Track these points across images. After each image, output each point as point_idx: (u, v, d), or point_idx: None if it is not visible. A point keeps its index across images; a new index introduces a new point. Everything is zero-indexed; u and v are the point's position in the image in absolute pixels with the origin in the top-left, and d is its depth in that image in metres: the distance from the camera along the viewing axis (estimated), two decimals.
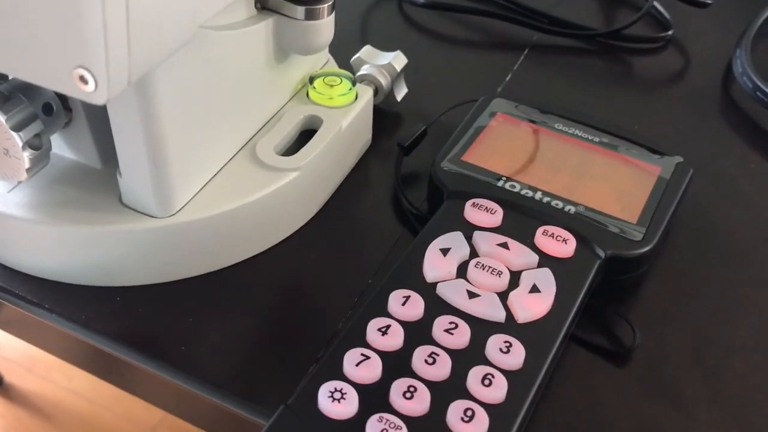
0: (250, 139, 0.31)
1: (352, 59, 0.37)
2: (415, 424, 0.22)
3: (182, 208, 0.28)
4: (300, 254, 0.31)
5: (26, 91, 0.27)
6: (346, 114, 0.33)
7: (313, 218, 0.32)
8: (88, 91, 0.19)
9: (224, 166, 0.30)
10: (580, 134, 0.33)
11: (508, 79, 0.41)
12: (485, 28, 0.46)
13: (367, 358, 0.23)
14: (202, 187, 0.29)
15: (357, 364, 0.23)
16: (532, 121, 0.34)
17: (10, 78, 0.26)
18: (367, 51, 0.37)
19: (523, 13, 0.46)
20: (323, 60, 0.36)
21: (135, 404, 0.97)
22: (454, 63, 0.43)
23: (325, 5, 0.30)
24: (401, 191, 0.33)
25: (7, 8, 0.19)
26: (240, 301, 0.29)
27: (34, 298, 0.29)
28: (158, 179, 0.27)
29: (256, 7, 0.29)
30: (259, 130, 0.31)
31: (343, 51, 0.38)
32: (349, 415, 0.22)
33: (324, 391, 0.23)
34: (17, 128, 0.26)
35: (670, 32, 0.45)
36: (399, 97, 0.37)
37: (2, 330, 0.34)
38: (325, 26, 0.30)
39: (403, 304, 0.25)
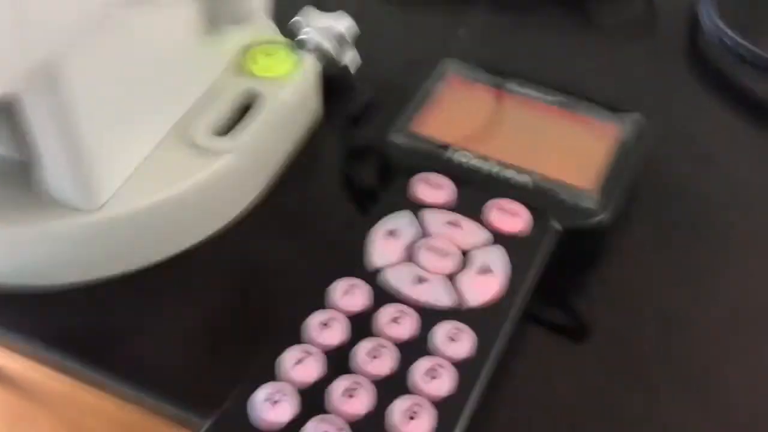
0: (183, 117, 0.29)
1: (291, 22, 0.34)
2: (358, 425, 0.21)
3: (110, 199, 0.26)
4: (244, 241, 0.29)
5: None
6: (286, 85, 0.30)
7: (259, 200, 0.30)
8: None
9: (154, 150, 0.28)
10: (536, 95, 0.31)
11: (461, 32, 0.39)
12: None
13: (308, 356, 0.22)
14: (131, 175, 0.27)
15: (295, 364, 0.22)
16: (486, 83, 0.32)
17: None
18: (307, 13, 0.34)
19: None
20: (263, 29, 0.33)
21: None
22: (408, 22, 0.40)
23: None
24: (349, 168, 0.31)
25: None
26: (181, 294, 0.27)
27: None
28: (78, 169, 0.25)
29: None
30: (194, 106, 0.29)
31: (282, 13, 0.36)
32: (287, 419, 0.21)
33: (260, 395, 0.21)
34: None
35: None
36: (348, 61, 0.35)
37: None
38: None
39: (346, 294, 0.24)
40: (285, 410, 0.21)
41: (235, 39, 0.31)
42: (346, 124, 0.32)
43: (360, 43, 0.36)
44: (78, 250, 0.26)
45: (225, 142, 0.28)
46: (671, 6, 0.42)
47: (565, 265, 0.27)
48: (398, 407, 0.21)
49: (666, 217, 0.30)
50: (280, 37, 0.32)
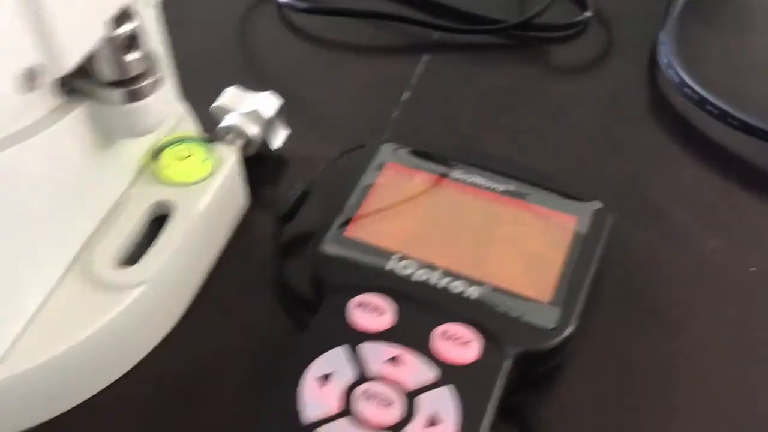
0: (84, 246, 0.25)
1: (212, 107, 0.31)
2: None
3: (4, 355, 0.23)
4: (167, 369, 0.26)
5: None
6: (204, 192, 0.27)
7: (182, 317, 0.27)
8: None
9: (54, 289, 0.24)
10: (482, 183, 0.28)
11: (406, 98, 0.36)
12: (378, 32, 0.40)
13: None
14: (28, 324, 0.23)
15: None
16: (429, 171, 0.29)
17: None
18: (231, 94, 0.31)
19: (420, 7, 0.40)
20: (176, 118, 0.30)
21: None
22: (346, 78, 0.37)
23: (149, 81, 0.24)
24: (282, 271, 0.28)
25: None
26: (117, 426, 0.24)
27: None
28: None
29: (62, 92, 0.23)
30: (96, 231, 0.26)
31: (217, 76, 0.32)
32: None
33: None
34: None
35: (587, 14, 0.39)
36: (275, 146, 0.32)
37: None
38: (153, 105, 0.24)
39: None
40: None
41: (140, 144, 0.27)
42: (276, 222, 0.29)
43: (294, 104, 0.32)
44: None
45: (133, 274, 0.25)
46: (629, 41, 0.39)
47: (520, 383, 0.24)
48: None
49: (631, 313, 0.27)
50: (192, 135, 0.29)
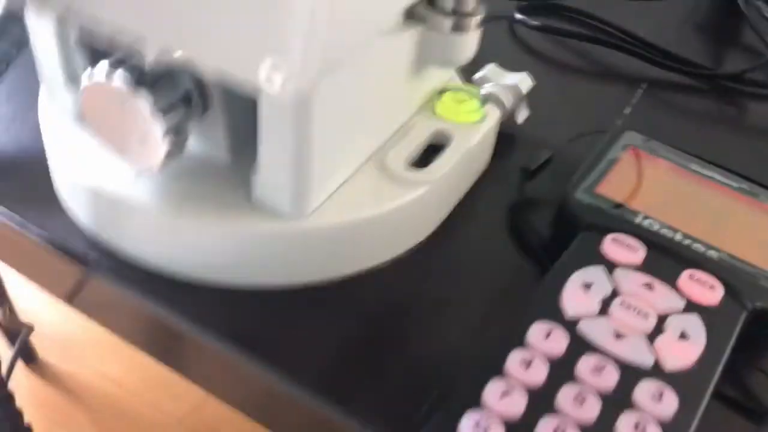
0: (380, 148, 0.30)
1: (476, 76, 0.36)
2: None
3: (314, 212, 0.27)
4: (415, 272, 0.30)
5: (168, 78, 0.26)
6: (475, 132, 0.31)
7: (428, 237, 0.31)
8: (276, 84, 0.19)
9: (354, 173, 0.29)
10: (717, 177, 0.31)
11: (627, 112, 0.40)
12: (597, 57, 0.44)
13: (512, 390, 0.22)
14: (333, 193, 0.28)
15: (501, 397, 0.22)
16: (668, 160, 0.32)
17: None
18: (491, 69, 0.36)
19: (636, 44, 0.45)
20: (449, 74, 0.35)
21: (164, 393, 0.96)
22: (568, 91, 0.42)
23: (474, 18, 0.29)
24: (524, 218, 0.31)
25: None
26: (354, 313, 0.28)
27: (150, 292, 0.28)
28: (299, 178, 0.26)
29: (402, 15, 0.28)
30: (390, 139, 0.30)
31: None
32: None
33: (467, 422, 0.21)
34: (164, 112, 0.25)
35: None
36: (520, 120, 0.36)
37: (97, 321, 0.33)
38: (471, 40, 0.29)
39: (546, 339, 0.24)
40: None
41: (432, 82, 0.32)
42: (520, 176, 0.33)
43: (530, 106, 0.37)
44: (275, 254, 0.27)
45: (421, 175, 0.29)
46: None
47: (749, 344, 0.27)
48: None
49: None
50: (471, 87, 0.34)
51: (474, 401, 0.22)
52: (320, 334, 0.27)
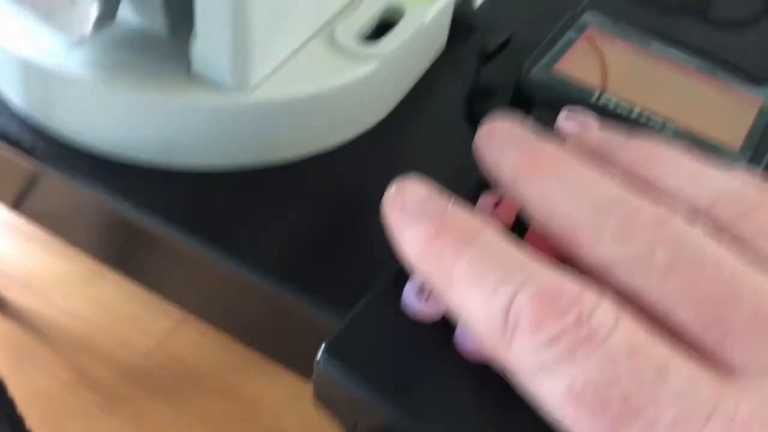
0: (329, 21, 0.28)
1: None
2: None
3: (257, 84, 0.26)
4: (367, 157, 0.28)
5: None
6: (428, 9, 0.30)
7: (382, 120, 0.30)
8: None
9: (302, 46, 0.27)
10: (679, 57, 0.31)
11: None
12: None
13: None
14: (279, 67, 0.26)
15: None
16: (629, 40, 0.31)
17: None
18: None
19: None
20: None
21: (130, 328, 0.96)
22: None
23: None
24: (480, 102, 0.30)
25: None
26: (309, 196, 0.27)
27: (82, 173, 0.26)
28: (238, 45, 0.24)
29: None
30: (336, 14, 0.29)
31: None
32: (438, 315, 0.20)
33: (411, 287, 0.21)
34: None
35: None
36: (477, 3, 0.35)
37: (32, 221, 0.32)
38: None
39: (495, 208, 0.23)
40: (435, 306, 0.20)
41: None
42: (477, 59, 0.31)
43: None
44: (217, 130, 0.26)
45: (372, 48, 0.28)
46: None
47: None
48: None
49: None
50: None
51: None
52: (268, 218, 0.26)
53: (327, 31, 0.28)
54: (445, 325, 0.20)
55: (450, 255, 0.17)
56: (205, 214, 0.26)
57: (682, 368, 0.15)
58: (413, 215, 0.18)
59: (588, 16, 0.32)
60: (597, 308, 0.15)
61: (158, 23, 0.27)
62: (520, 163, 0.20)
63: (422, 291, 0.20)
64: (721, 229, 0.17)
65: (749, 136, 0.27)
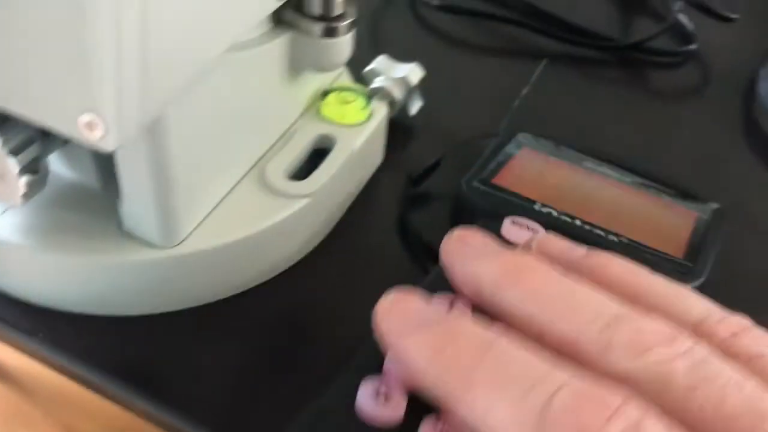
0: (260, 160, 0.29)
1: (365, 70, 0.35)
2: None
3: (187, 237, 0.26)
4: (307, 282, 0.29)
5: None
6: (360, 134, 0.31)
7: (321, 242, 0.30)
8: (95, 139, 0.18)
9: (232, 190, 0.28)
10: (611, 173, 0.31)
11: (525, 91, 0.39)
12: (502, 34, 0.44)
13: None
14: (208, 215, 0.27)
15: None
16: (561, 158, 0.32)
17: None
18: (381, 61, 0.35)
19: (542, 18, 0.44)
20: (337, 71, 0.34)
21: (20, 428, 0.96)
22: (470, 70, 0.41)
23: (345, 22, 0.28)
24: (414, 219, 0.31)
25: (12, 43, 0.18)
26: (244, 331, 0.27)
27: (27, 325, 0.27)
28: (163, 210, 0.25)
29: (270, 21, 0.27)
30: (271, 148, 0.30)
31: (354, 55, 0.36)
32: (396, 419, 0.19)
33: (365, 390, 0.20)
34: (14, 152, 0.24)
35: (693, 46, 0.43)
36: (413, 111, 0.35)
37: None
38: (344, 44, 0.28)
39: (450, 310, 0.22)
40: (394, 410, 0.19)
41: (314, 84, 0.31)
42: (406, 183, 0.32)
43: (424, 86, 0.36)
44: (150, 282, 0.26)
45: (301, 187, 0.28)
46: (728, 73, 0.42)
47: None
48: None
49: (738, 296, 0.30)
50: (356, 86, 0.33)
51: (373, 369, 0.21)
52: (211, 357, 0.27)
53: (258, 171, 0.29)
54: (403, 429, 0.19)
55: (468, 361, 0.18)
56: (140, 361, 0.26)
57: None
58: (416, 323, 0.19)
59: (521, 137, 0.33)
60: (643, 419, 0.16)
61: (91, 178, 0.27)
62: (504, 271, 0.20)
63: (378, 394, 0.20)
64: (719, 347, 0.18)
65: (689, 247, 0.28)
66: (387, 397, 0.19)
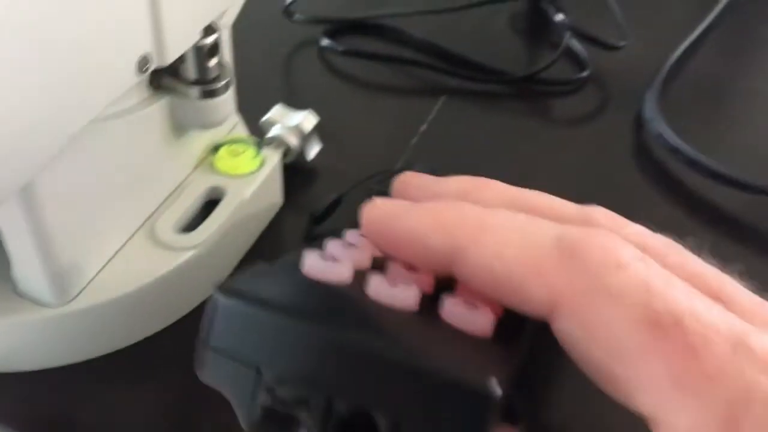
0: (151, 215, 0.31)
1: (262, 120, 0.37)
2: None
3: (78, 294, 0.28)
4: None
5: None
6: (251, 183, 0.33)
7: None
8: None
9: (123, 246, 0.30)
10: None
11: (423, 129, 0.42)
12: (404, 74, 0.46)
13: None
14: (99, 271, 0.29)
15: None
16: None
17: None
18: (277, 111, 0.37)
19: (442, 57, 0.46)
20: (231, 124, 0.35)
21: None
22: (374, 111, 0.43)
23: (222, 83, 0.30)
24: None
25: None
26: (142, 379, 0.29)
27: None
28: (49, 271, 0.26)
29: (150, 86, 0.29)
30: (162, 204, 0.31)
31: (263, 100, 0.38)
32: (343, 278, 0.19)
33: (315, 254, 0.20)
34: None
35: (585, 73, 0.45)
36: (310, 157, 0.37)
37: None
38: (223, 103, 0.30)
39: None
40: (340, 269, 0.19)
41: (204, 138, 0.33)
42: (308, 221, 0.34)
43: (328, 128, 0.38)
44: (44, 340, 0.28)
45: (188, 239, 0.30)
46: (621, 98, 0.45)
47: None
48: None
49: None
50: (246, 137, 0.35)
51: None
52: (125, 402, 0.28)
53: (149, 225, 0.30)
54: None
55: (477, 213, 0.19)
56: (54, 413, 0.28)
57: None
58: (410, 205, 0.21)
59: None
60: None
61: None
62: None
63: (330, 257, 0.20)
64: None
65: None
66: (335, 259, 0.20)
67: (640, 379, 0.16)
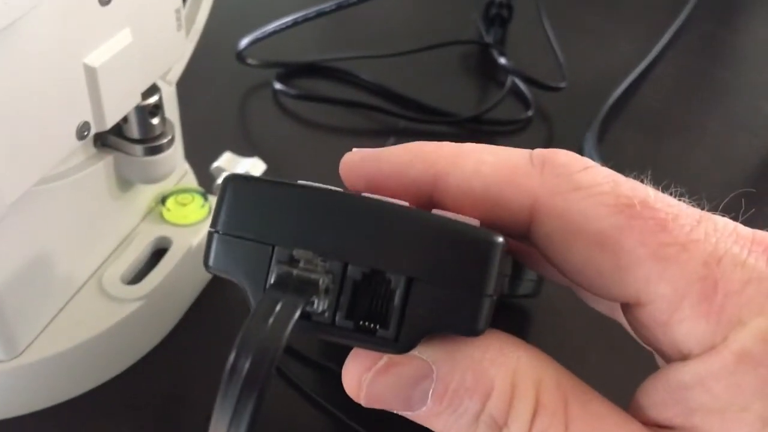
0: (99, 267, 0.32)
1: (211, 168, 0.38)
2: None
3: (26, 349, 0.29)
4: (151, 375, 0.32)
5: None
6: (198, 232, 0.34)
7: (169, 334, 0.33)
8: None
9: (71, 299, 0.30)
10: None
11: None
12: (355, 116, 0.47)
13: None
14: (47, 325, 0.29)
15: None
16: None
17: None
18: (226, 159, 0.38)
19: (392, 99, 0.48)
20: (181, 173, 0.36)
21: None
22: (326, 152, 0.45)
23: (166, 140, 0.31)
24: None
25: None
26: (94, 427, 0.30)
27: None
28: None
29: (95, 145, 0.30)
30: (110, 256, 0.32)
31: (216, 146, 0.39)
32: None
33: None
34: None
35: (529, 113, 0.47)
36: None
37: None
38: (167, 158, 0.31)
39: None
40: None
41: (151, 190, 0.34)
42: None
43: (280, 170, 0.39)
44: (2, 391, 0.29)
45: (134, 290, 0.31)
46: (563, 137, 0.47)
47: None
48: None
49: None
50: (194, 186, 0.36)
51: None
52: None
53: (97, 277, 0.31)
54: None
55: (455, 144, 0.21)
56: None
57: None
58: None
59: None
60: None
61: None
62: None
63: None
64: None
65: None
66: None
67: (622, 260, 0.18)
